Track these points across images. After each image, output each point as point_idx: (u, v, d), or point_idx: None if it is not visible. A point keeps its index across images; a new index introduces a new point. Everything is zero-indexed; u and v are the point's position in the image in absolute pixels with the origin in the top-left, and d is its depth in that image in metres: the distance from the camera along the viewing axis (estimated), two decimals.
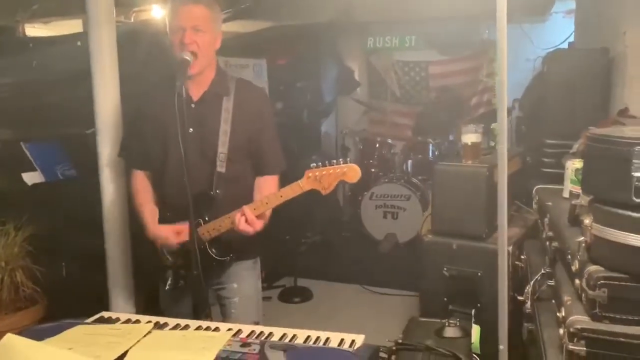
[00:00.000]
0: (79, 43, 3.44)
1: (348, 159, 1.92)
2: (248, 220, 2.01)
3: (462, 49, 6.30)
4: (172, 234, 2.11)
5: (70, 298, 3.18)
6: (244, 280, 2.26)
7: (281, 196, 2.00)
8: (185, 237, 2.08)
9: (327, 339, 1.59)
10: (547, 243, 1.87)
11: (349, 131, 6.05)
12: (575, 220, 1.67)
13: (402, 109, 6.50)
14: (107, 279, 2.72)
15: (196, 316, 2.02)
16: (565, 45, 4.57)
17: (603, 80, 3.19)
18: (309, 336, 1.62)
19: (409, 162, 5.47)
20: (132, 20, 4.15)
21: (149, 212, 2.19)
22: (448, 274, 2.66)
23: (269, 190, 2.16)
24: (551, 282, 1.70)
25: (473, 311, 2.51)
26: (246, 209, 2.02)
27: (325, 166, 1.93)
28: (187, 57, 2.00)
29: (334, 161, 1.93)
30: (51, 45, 3.47)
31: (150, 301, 2.84)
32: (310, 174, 1.95)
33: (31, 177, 3.08)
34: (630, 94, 2.94)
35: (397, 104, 6.55)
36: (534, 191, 2.50)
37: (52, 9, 3.68)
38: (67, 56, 3.41)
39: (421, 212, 5.08)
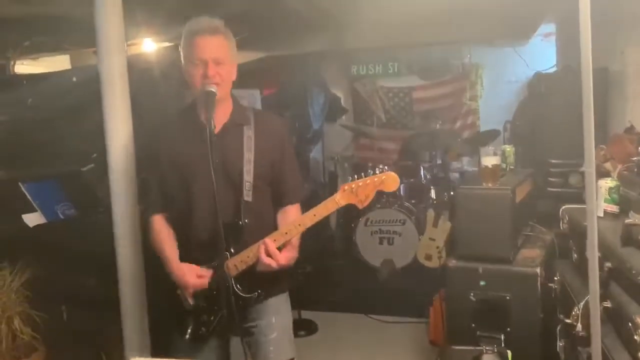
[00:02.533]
0: (74, 79, 3.36)
1: (385, 167, 1.87)
2: (270, 252, 1.92)
3: (445, 74, 6.42)
4: (193, 275, 2.00)
5: (71, 344, 3.03)
6: (280, 314, 2.15)
7: (315, 215, 1.90)
8: (205, 282, 1.99)
9: None
10: None
11: (339, 157, 6.03)
12: (628, 240, 1.66)
13: (389, 134, 6.54)
14: (121, 324, 2.57)
15: None
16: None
17: (602, 99, 3.26)
18: None
19: (401, 186, 5.46)
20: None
21: (170, 248, 2.09)
22: (475, 299, 2.62)
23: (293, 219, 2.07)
24: (606, 304, 1.68)
25: (502, 336, 2.48)
26: (267, 240, 1.92)
27: (362, 178, 1.87)
28: (212, 90, 1.95)
29: (370, 172, 1.87)
30: (46, 81, 3.37)
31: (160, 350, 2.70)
32: (346, 187, 1.88)
33: (32, 219, 2.94)
34: (633, 112, 3.00)
35: (383, 129, 6.59)
36: (560, 212, 2.49)
37: (42, 45, 3.58)
38: (62, 92, 3.31)
39: (417, 236, 5.06)
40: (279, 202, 2.16)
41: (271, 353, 2.08)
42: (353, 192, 1.86)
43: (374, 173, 1.87)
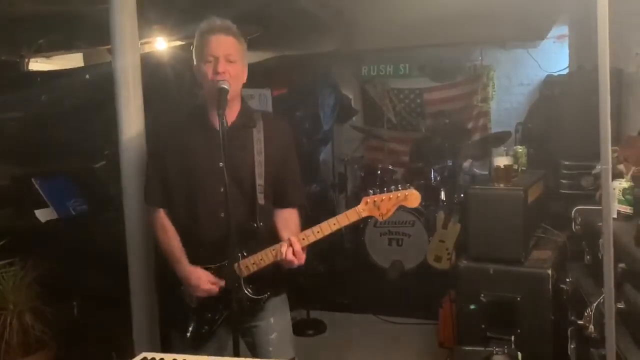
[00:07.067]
0: (87, 76, 3.40)
1: (408, 184, 1.89)
2: (295, 251, 1.93)
3: (456, 75, 6.40)
4: (206, 281, 2.01)
5: (81, 340, 3.05)
6: (278, 314, 2.17)
7: (335, 223, 1.92)
8: (216, 289, 2.00)
9: None
10: None
11: (349, 158, 6.03)
12: None
13: (399, 136, 6.53)
14: (131, 321, 2.58)
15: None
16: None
17: (616, 101, 3.23)
18: None
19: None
20: None
21: (179, 249, 2.08)
22: (485, 300, 2.61)
23: (295, 223, 2.11)
24: (620, 305, 1.66)
25: (513, 337, 2.47)
26: (294, 239, 1.94)
27: (384, 192, 1.89)
28: (225, 86, 1.96)
29: (393, 187, 1.89)
30: (59, 79, 3.40)
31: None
32: (368, 200, 1.90)
33: (44, 214, 2.97)
34: None
35: (393, 131, 6.59)
36: (573, 212, 2.48)
37: (57, 43, 3.61)
38: (76, 90, 3.35)
39: (426, 238, 5.05)
40: (279, 204, 2.16)
41: (271, 353, 2.09)
42: (375, 205, 1.90)
43: (397, 189, 1.90)
